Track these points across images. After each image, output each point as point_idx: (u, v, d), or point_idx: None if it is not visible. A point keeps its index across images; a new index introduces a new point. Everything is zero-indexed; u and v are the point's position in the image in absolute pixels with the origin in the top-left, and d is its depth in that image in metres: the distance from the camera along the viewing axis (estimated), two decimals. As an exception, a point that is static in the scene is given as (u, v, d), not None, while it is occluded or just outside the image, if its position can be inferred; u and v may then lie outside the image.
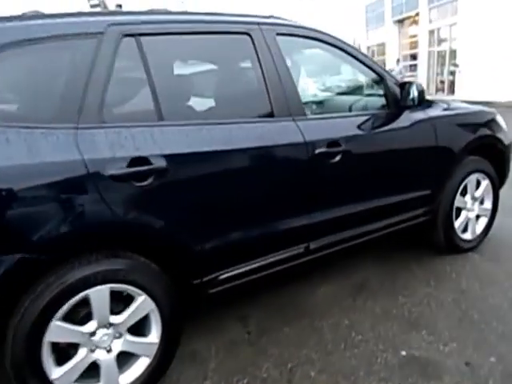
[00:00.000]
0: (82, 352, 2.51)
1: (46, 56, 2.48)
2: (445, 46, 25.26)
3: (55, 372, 2.44)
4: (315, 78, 6.04)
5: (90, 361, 2.54)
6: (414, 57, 28.88)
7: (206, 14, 3.25)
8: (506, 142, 4.51)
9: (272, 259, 3.20)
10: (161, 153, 2.59)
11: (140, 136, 2.58)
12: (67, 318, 2.42)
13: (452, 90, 24.38)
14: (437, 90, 26.24)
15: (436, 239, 4.35)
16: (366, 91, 4.12)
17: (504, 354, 2.97)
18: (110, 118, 2.55)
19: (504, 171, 4.66)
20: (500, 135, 4.45)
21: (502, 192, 4.73)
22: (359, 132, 3.50)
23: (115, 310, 2.59)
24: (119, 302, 2.61)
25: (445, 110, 4.22)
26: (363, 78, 4.05)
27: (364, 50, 33.81)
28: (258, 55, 3.13)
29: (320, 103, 4.33)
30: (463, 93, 21.42)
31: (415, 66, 28.38)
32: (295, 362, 3.04)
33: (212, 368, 3.02)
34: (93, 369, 2.56)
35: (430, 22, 25.97)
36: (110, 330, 2.58)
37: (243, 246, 3.07)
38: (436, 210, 4.14)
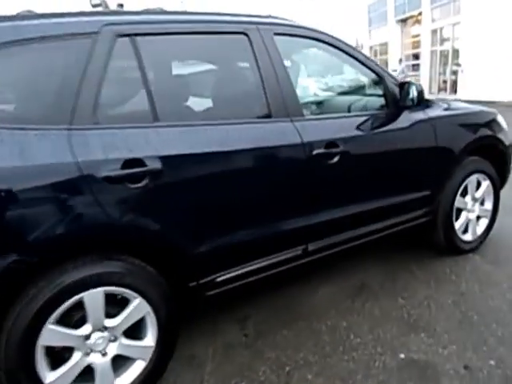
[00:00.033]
0: (76, 356, 2.49)
1: (39, 56, 2.46)
2: (447, 46, 25.21)
3: (49, 376, 2.41)
4: (314, 77, 6.01)
5: (84, 364, 2.52)
6: (416, 56, 28.84)
7: (203, 13, 3.22)
8: (507, 143, 4.48)
9: (269, 261, 3.18)
10: (155, 154, 2.56)
11: (134, 137, 2.56)
12: (61, 321, 2.40)
13: (454, 90, 24.32)
14: (439, 90, 26.19)
15: (436, 240, 4.32)
16: (365, 91, 4.08)
17: (503, 357, 2.94)
18: (104, 119, 2.53)
19: (505, 172, 4.63)
20: (501, 135, 4.42)
21: (503, 193, 4.70)
22: (358, 132, 3.47)
23: (111, 312, 2.56)
24: (114, 305, 2.58)
25: (445, 110, 4.18)
26: (362, 77, 4.01)
27: (367, 50, 33.91)
28: (255, 55, 3.10)
29: (318, 103, 4.29)
30: (466, 92, 21.40)
31: (418, 65, 28.34)
32: (292, 365, 3.01)
33: (209, 371, 3.00)
34: (88, 372, 2.54)
35: (433, 21, 25.92)
36: (105, 334, 2.56)
37: (240, 248, 3.04)
38: (436, 211, 4.10)
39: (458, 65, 23.49)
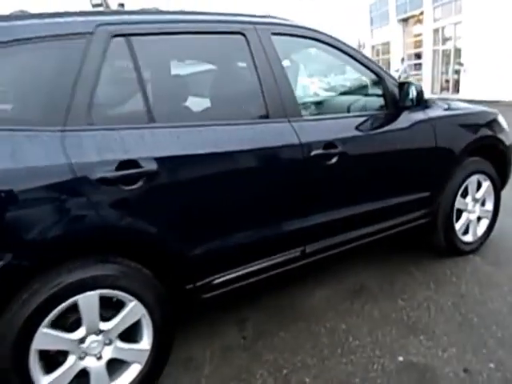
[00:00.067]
0: (70, 359, 2.46)
1: (32, 57, 2.44)
2: (449, 45, 25.17)
3: (43, 380, 2.38)
4: (313, 78, 5.98)
5: (79, 368, 2.49)
6: (418, 56, 28.78)
7: (199, 13, 3.19)
8: (508, 143, 4.44)
9: (267, 263, 3.15)
10: (151, 155, 2.54)
11: (129, 138, 2.53)
12: (55, 324, 2.38)
13: (457, 89, 24.29)
14: (442, 89, 26.15)
15: (436, 241, 4.29)
16: (364, 91, 4.05)
17: (503, 360, 2.91)
18: (98, 120, 2.50)
19: (505, 172, 4.58)
20: (501, 136, 4.38)
21: (504, 193, 4.66)
22: (356, 133, 3.44)
23: (106, 315, 2.54)
24: (109, 308, 2.56)
25: (445, 110, 4.14)
26: (361, 78, 3.98)
27: (369, 49, 33.86)
28: (252, 55, 3.07)
29: (317, 103, 4.25)
30: (468, 92, 21.37)
31: (420, 64, 28.28)
32: (290, 367, 2.99)
33: (206, 374, 2.97)
34: (82, 376, 2.51)
35: (435, 20, 25.87)
36: (100, 337, 2.53)
37: (237, 250, 3.01)
38: (436, 212, 4.07)
39: (461, 64, 23.45)
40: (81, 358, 2.49)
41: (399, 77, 22.07)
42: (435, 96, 23.59)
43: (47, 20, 2.55)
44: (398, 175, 3.79)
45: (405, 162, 3.78)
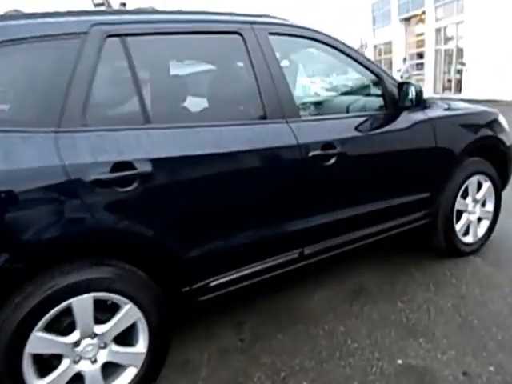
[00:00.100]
0: (65, 363, 2.43)
1: (26, 57, 2.42)
2: (451, 45, 25.15)
3: (37, 384, 2.36)
4: (311, 78, 5.95)
5: (73, 372, 2.46)
6: (420, 55, 28.76)
7: (195, 12, 3.17)
8: (508, 143, 4.41)
9: (265, 265, 3.12)
10: (146, 157, 2.51)
11: (124, 140, 2.50)
12: (49, 328, 2.35)
13: (459, 89, 24.26)
14: (444, 89, 26.12)
15: (436, 242, 4.26)
16: (363, 91, 4.02)
17: (503, 363, 2.87)
18: (92, 121, 2.47)
19: (506, 173, 4.55)
20: (502, 136, 4.35)
21: (505, 194, 4.63)
22: (355, 134, 3.41)
23: (100, 318, 2.51)
24: (104, 311, 2.53)
25: (445, 110, 4.11)
26: (360, 78, 3.95)
27: (371, 49, 33.82)
28: (249, 55, 3.04)
29: (316, 104, 4.22)
30: (470, 91, 21.34)
31: (422, 64, 28.25)
32: (288, 370, 2.96)
33: (203, 377, 2.95)
34: (77, 380, 2.48)
35: (437, 20, 25.85)
36: (95, 340, 2.51)
37: (234, 252, 2.99)
38: (436, 213, 4.04)
39: (463, 64, 23.43)
40: (75, 362, 2.46)
41: (401, 76, 22.09)
42: (437, 96, 23.60)
43: (41, 20, 2.53)
44: (397, 176, 3.76)
45: (404, 163, 3.75)
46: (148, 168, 2.50)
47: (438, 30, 25.96)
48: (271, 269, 3.16)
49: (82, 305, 2.40)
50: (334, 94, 5.36)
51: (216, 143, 2.79)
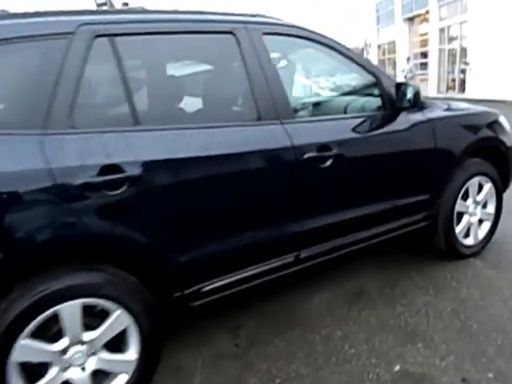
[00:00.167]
0: (53, 371, 2.37)
1: (12, 57, 2.38)
2: (455, 44, 25.11)
3: (24, 393, 2.30)
4: (307, 78, 5.89)
5: (61, 380, 2.41)
6: (424, 55, 28.69)
7: (187, 12, 3.12)
8: (509, 144, 4.35)
9: (259, 269, 3.07)
10: (135, 160, 2.46)
11: (112, 142, 2.45)
12: (36, 335, 2.29)
13: (463, 89, 24.22)
14: (448, 89, 26.07)
15: (436, 245, 4.20)
16: (361, 92, 3.95)
17: (502, 369, 2.81)
18: (80, 123, 2.42)
19: (507, 174, 4.48)
20: (503, 137, 4.29)
21: (506, 195, 4.56)
22: (352, 135, 3.36)
23: (90, 324, 2.46)
24: (94, 317, 2.48)
25: (444, 110, 4.06)
26: (357, 78, 3.88)
27: (375, 48, 33.76)
28: (243, 55, 2.99)
29: (312, 105, 4.14)
30: (474, 91, 21.28)
31: (426, 64, 28.17)
32: (283, 377, 2.90)
33: (196, 383, 2.89)
34: (66, 388, 2.43)
35: (441, 19, 25.80)
36: (84, 347, 2.45)
37: (227, 256, 2.93)
38: (436, 215, 3.98)
39: (466, 63, 23.37)
40: (64, 370, 2.41)
41: (405, 76, 22.05)
42: (441, 95, 23.55)
43: (28, 20, 2.49)
44: (395, 178, 3.70)
45: (403, 164, 3.70)
46: (137, 171, 2.45)
47: (441, 30, 25.90)
48: (266, 273, 3.11)
49: (70, 311, 2.34)
50: (330, 94, 5.30)
51: (208, 145, 2.74)
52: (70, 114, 2.38)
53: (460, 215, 4.18)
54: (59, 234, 2.32)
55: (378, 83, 3.61)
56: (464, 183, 4.07)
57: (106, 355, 2.53)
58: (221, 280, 2.91)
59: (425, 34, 28.41)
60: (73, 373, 2.43)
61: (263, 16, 3.42)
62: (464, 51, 23.95)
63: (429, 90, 25.97)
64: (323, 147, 3.11)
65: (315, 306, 3.68)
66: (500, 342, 3.07)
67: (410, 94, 3.51)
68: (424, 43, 28.65)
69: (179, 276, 2.76)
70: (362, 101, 3.85)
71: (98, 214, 2.40)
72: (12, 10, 2.66)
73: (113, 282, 2.48)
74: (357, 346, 3.14)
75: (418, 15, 28.77)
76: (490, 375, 2.77)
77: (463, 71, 24.16)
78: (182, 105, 3.09)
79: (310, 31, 3.38)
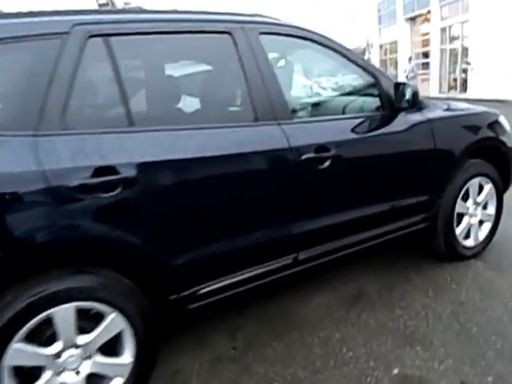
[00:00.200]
0: (46, 375, 2.34)
1: (5, 58, 2.35)
2: (457, 44, 25.08)
3: (17, 397, 2.27)
4: (304, 78, 5.86)
5: (55, 384, 2.38)
6: (426, 55, 28.66)
7: (183, 12, 3.10)
8: (510, 145, 4.31)
9: (257, 271, 3.04)
10: (129, 161, 2.44)
11: (107, 143, 2.43)
12: (29, 339, 2.26)
13: (464, 88, 24.19)
14: (449, 88, 26.04)
15: (436, 246, 4.16)
16: (360, 92, 3.92)
17: (502, 373, 2.77)
18: (73, 125, 2.39)
19: (508, 175, 4.44)
20: (503, 137, 4.26)
21: (507, 196, 4.53)
22: (351, 136, 3.33)
23: (85, 328, 2.43)
24: (89, 320, 2.44)
25: (444, 111, 4.03)
26: (356, 78, 3.85)
27: (377, 48, 33.73)
28: (239, 55, 2.96)
29: (310, 105, 4.11)
30: (476, 91, 21.27)
31: (427, 64, 28.14)
32: (281, 380, 2.87)
33: (193, 387, 2.87)
34: (59, 392, 2.40)
35: (442, 19, 25.77)
36: (78, 351, 2.42)
37: (225, 258, 2.90)
38: (436, 216, 3.95)
39: (468, 63, 23.34)
40: (57, 374, 2.38)
41: (407, 76, 22.01)
42: (443, 95, 23.51)
43: (22, 20, 2.46)
44: (394, 178, 3.67)
45: (402, 165, 3.66)
46: (132, 173, 2.43)
47: (443, 30, 25.88)
48: (264, 275, 3.08)
49: (64, 314, 2.32)
50: (328, 94, 5.27)
51: (204, 146, 2.71)
52: (63, 114, 2.36)
53: (460, 216, 4.14)
54: (52, 236, 2.29)
55: (376, 83, 3.58)
56: (464, 184, 4.04)
57: (100, 359, 2.50)
58: (218, 282, 2.88)
59: (426, 34, 28.38)
60: (67, 377, 2.40)
61: (261, 16, 3.40)
62: (465, 51, 23.92)
63: (431, 89, 25.98)
64: (321, 148, 3.08)
65: (313, 308, 3.65)
66: (500, 345, 3.04)
67: (408, 95, 3.48)
68: (426, 43, 28.62)
69: (175, 278, 2.73)
70: (360, 101, 3.82)
71: (92, 216, 2.37)
72: (7, 10, 2.63)
73: (107, 284, 2.45)
74: (355, 349, 3.11)
75: (420, 15, 28.74)
76: (489, 379, 2.74)
77: (465, 71, 24.13)
78: (177, 105, 3.07)
79: (309, 31, 3.35)
